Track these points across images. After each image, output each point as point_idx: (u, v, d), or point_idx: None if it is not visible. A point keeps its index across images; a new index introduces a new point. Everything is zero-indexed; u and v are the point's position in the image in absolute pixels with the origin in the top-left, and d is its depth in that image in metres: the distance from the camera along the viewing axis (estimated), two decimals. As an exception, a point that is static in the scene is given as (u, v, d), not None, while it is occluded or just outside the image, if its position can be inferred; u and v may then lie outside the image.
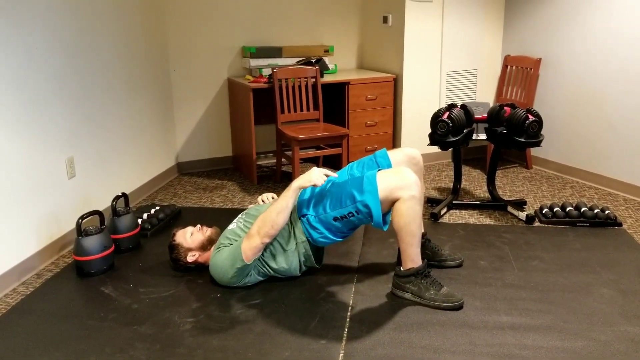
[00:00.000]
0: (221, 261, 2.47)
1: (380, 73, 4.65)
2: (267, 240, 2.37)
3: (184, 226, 2.74)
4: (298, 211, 2.47)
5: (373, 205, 2.29)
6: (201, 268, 2.69)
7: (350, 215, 2.35)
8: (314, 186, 2.37)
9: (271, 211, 2.37)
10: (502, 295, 2.49)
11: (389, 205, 2.34)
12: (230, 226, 2.63)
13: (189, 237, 2.66)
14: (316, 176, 2.34)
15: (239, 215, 2.69)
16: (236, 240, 2.49)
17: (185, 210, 3.67)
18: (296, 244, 2.49)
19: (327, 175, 2.37)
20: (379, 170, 2.42)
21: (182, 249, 2.65)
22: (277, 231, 2.37)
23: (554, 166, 4.47)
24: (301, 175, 2.37)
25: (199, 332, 2.21)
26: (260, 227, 2.35)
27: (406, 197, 2.28)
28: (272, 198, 2.77)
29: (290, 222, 2.48)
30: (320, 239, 2.45)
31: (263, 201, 2.78)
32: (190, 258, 2.65)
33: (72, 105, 3.14)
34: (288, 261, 2.53)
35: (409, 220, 2.30)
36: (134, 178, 3.88)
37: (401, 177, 2.30)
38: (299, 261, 2.55)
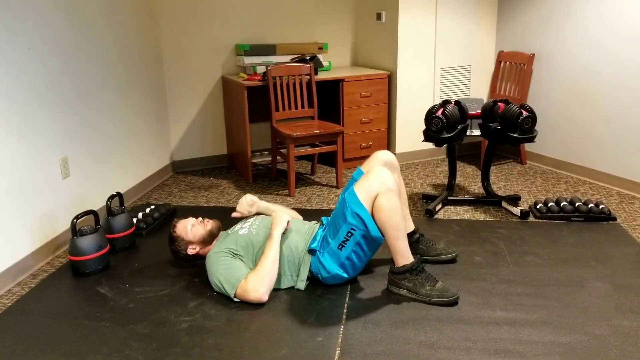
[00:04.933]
0: (214, 273, 2.46)
1: (374, 70, 4.65)
2: (266, 298, 2.38)
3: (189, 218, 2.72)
4: (309, 246, 2.51)
5: (360, 210, 2.33)
6: (200, 263, 2.68)
7: (349, 235, 2.38)
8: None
9: (265, 265, 2.38)
10: (497, 290, 2.50)
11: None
12: (242, 230, 2.58)
13: (190, 229, 2.63)
14: (282, 216, 2.52)
15: (252, 219, 2.66)
16: (240, 255, 2.48)
17: (180, 209, 3.66)
18: (297, 278, 2.52)
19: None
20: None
21: (183, 241, 2.63)
22: (273, 282, 2.41)
23: (548, 161, 4.49)
24: (275, 223, 2.49)
25: (195, 331, 2.21)
26: (258, 284, 2.35)
27: (383, 191, 2.33)
28: (251, 201, 2.79)
29: (297, 259, 2.52)
30: (329, 280, 2.49)
31: (249, 212, 2.78)
32: (190, 251, 2.63)
33: (65, 106, 3.13)
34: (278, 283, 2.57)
35: (391, 212, 2.33)
36: (129, 177, 3.87)
37: (373, 176, 2.38)
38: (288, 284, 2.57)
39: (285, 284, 2.53)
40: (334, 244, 2.43)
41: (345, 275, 2.48)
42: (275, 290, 2.50)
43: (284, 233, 2.50)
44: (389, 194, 2.33)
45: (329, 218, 2.62)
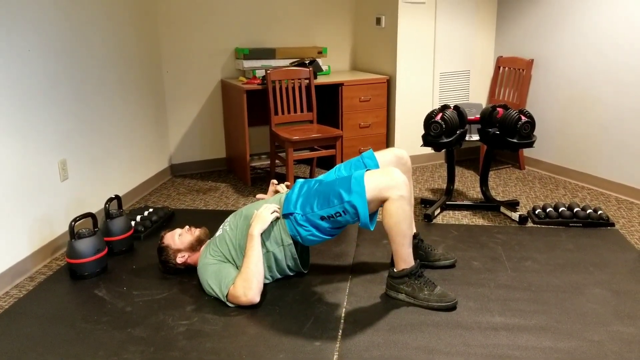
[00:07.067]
0: (205, 280, 2.47)
1: (373, 74, 4.66)
2: (258, 299, 2.37)
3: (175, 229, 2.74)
4: (284, 210, 2.46)
5: (360, 206, 2.29)
6: (192, 270, 2.68)
7: (338, 215, 2.35)
8: (277, 219, 2.46)
9: (249, 266, 2.37)
10: (496, 295, 2.50)
11: (377, 205, 2.35)
12: (218, 232, 2.62)
13: (178, 238, 2.65)
14: (268, 214, 2.44)
15: (227, 218, 2.68)
16: (221, 256, 2.49)
17: (178, 212, 3.66)
18: (283, 247, 2.49)
19: (275, 210, 2.47)
20: (367, 170, 2.43)
21: (171, 250, 2.65)
22: (262, 281, 2.40)
23: (547, 167, 4.49)
24: (255, 221, 2.43)
25: (193, 335, 2.20)
26: (246, 288, 2.34)
27: (395, 197, 2.29)
28: (287, 186, 2.79)
29: (276, 225, 2.48)
30: (309, 237, 2.44)
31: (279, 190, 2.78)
32: (179, 259, 2.64)
33: (64, 108, 3.13)
34: (272, 272, 2.58)
35: (399, 220, 2.31)
36: (127, 180, 3.87)
37: (390, 177, 2.32)
38: (285, 265, 2.56)
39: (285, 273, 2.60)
40: (317, 214, 2.38)
41: (325, 237, 2.46)
42: (278, 290, 2.50)
43: (274, 221, 2.48)
44: (401, 200, 2.30)
45: (309, 181, 2.57)
